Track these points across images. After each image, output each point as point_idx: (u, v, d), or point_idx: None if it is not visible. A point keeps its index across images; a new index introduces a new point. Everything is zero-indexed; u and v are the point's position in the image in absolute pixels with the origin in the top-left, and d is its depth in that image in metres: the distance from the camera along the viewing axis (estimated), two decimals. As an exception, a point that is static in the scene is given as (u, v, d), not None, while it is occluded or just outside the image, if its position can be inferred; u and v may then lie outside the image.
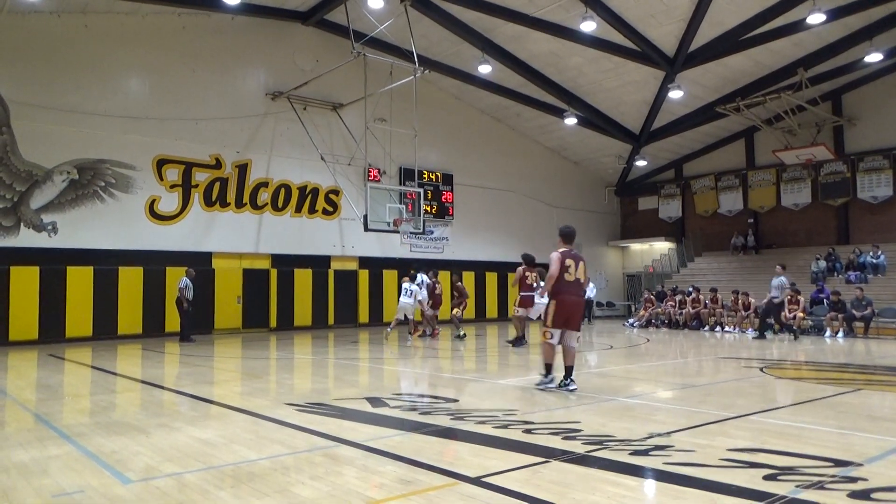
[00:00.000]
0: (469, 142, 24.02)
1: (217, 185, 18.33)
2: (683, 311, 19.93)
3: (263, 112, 19.22)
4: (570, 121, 22.84)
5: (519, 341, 13.12)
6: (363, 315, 20.80)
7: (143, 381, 9.00)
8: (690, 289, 20.55)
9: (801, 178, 23.57)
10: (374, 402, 6.79)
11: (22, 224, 15.39)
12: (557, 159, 27.15)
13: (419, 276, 15.23)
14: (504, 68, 20.70)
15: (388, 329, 15.52)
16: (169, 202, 17.50)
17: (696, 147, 26.11)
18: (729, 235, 25.43)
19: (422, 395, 7.54)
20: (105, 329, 16.14)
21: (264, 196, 19.20)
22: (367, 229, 16.99)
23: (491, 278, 24.07)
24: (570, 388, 7.21)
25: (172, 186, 17.57)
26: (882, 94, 21.50)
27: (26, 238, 15.40)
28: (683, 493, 3.69)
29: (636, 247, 29.31)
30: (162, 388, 8.39)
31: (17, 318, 15.03)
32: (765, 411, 6.15)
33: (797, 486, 3.76)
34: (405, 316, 15.18)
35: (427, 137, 20.81)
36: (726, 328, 18.59)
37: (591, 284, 21.56)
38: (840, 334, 16.32)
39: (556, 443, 4.85)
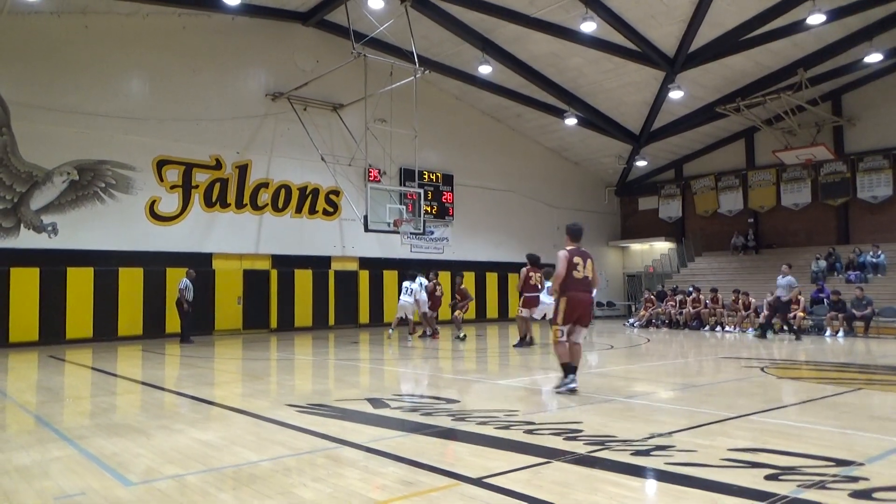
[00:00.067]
0: (469, 142, 24.03)
1: (217, 185, 18.33)
2: (684, 311, 19.93)
3: (264, 113, 19.22)
4: (571, 121, 22.85)
5: (522, 342, 13.11)
6: (363, 316, 20.81)
7: (144, 383, 9.00)
8: (691, 289, 20.56)
9: (801, 178, 23.57)
10: (376, 402, 6.79)
11: (22, 225, 15.39)
12: (558, 160, 27.15)
13: (418, 278, 15.23)
14: (504, 69, 20.71)
15: (390, 329, 15.53)
16: (169, 203, 17.50)
17: (697, 147, 26.12)
18: (729, 235, 25.43)
19: (423, 396, 7.54)
20: (105, 330, 16.14)
21: (264, 197, 19.20)
22: (367, 230, 16.99)
23: (491, 278, 24.07)
24: (573, 384, 7.17)
25: (173, 187, 17.57)
26: (882, 94, 21.50)
27: (26, 239, 15.41)
28: (685, 494, 3.69)
29: (636, 247, 29.31)
30: (162, 389, 8.39)
31: (18, 320, 15.03)
32: (766, 411, 6.15)
33: (799, 486, 3.76)
34: (405, 315, 15.19)
35: (427, 138, 20.82)
36: (727, 328, 18.59)
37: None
38: (840, 334, 16.32)
39: (558, 443, 4.84)
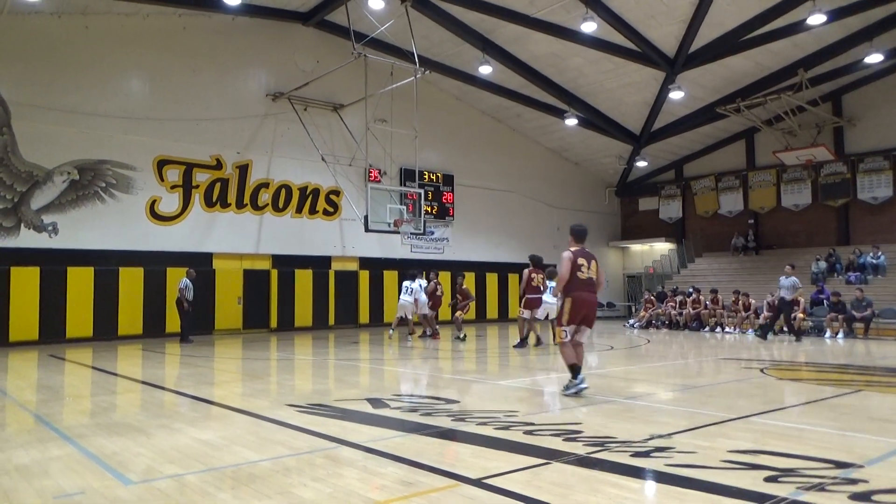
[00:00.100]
0: (470, 142, 24.03)
1: (218, 185, 18.34)
2: (684, 311, 19.93)
3: (264, 113, 19.23)
4: (571, 121, 22.85)
5: (522, 343, 13.10)
6: (364, 316, 20.81)
7: (144, 382, 9.00)
8: (691, 289, 20.56)
9: (802, 178, 23.58)
10: (375, 403, 6.79)
11: (22, 225, 15.40)
12: (558, 160, 27.16)
13: (417, 279, 15.22)
14: (505, 69, 20.71)
15: (391, 330, 15.53)
16: (169, 203, 17.51)
17: (697, 148, 26.12)
18: (729, 236, 25.43)
19: (422, 397, 7.53)
20: (105, 330, 16.14)
21: (265, 197, 19.21)
22: (367, 230, 16.99)
23: (491, 279, 24.08)
24: (582, 386, 7.11)
25: (173, 187, 17.58)
26: (882, 94, 21.50)
27: (27, 239, 15.41)
28: (685, 495, 3.69)
29: (636, 247, 29.32)
30: (162, 388, 8.39)
31: (18, 319, 15.03)
32: (766, 412, 6.15)
33: (798, 488, 3.76)
34: (405, 315, 15.20)
35: (428, 138, 20.82)
36: (727, 329, 18.59)
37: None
38: (840, 335, 16.32)
39: (558, 444, 4.84)
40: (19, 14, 15.32)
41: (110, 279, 16.34)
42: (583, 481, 3.95)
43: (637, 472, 4.16)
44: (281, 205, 19.50)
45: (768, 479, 3.92)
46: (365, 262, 21.07)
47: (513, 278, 24.68)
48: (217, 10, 17.65)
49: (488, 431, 5.31)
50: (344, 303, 20.37)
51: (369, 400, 6.98)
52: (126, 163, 16.80)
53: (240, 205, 18.73)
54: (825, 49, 19.07)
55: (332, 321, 20.12)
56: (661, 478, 4.03)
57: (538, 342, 13.29)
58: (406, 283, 15.14)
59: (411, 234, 19.11)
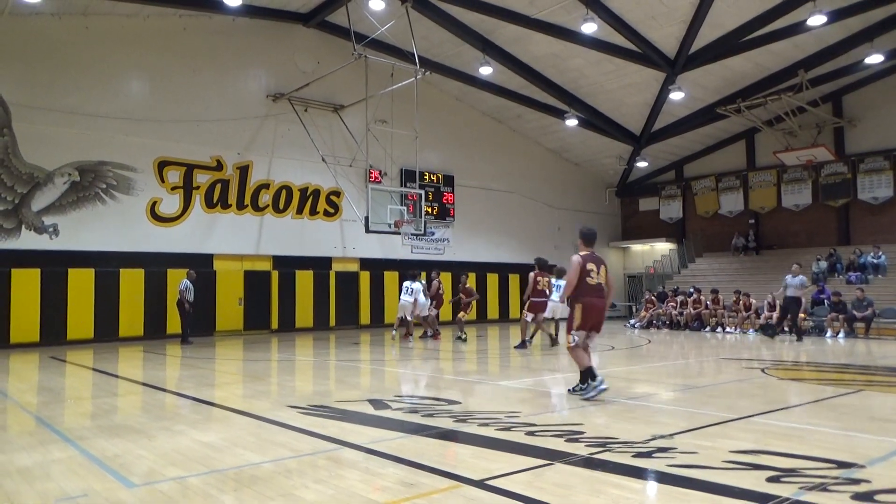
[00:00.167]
0: (470, 143, 24.03)
1: (218, 186, 18.34)
2: (684, 311, 19.93)
3: (264, 114, 19.23)
4: (571, 122, 22.85)
5: (523, 344, 13.09)
6: (364, 317, 20.81)
7: (145, 384, 9.00)
8: (691, 290, 20.56)
9: (802, 179, 23.57)
10: (376, 404, 6.79)
11: (23, 226, 15.40)
12: (558, 160, 27.16)
13: (416, 281, 15.21)
14: (505, 70, 20.72)
15: (394, 331, 15.53)
16: (170, 204, 17.51)
17: (697, 148, 26.12)
18: (730, 236, 25.43)
19: (424, 397, 7.53)
20: (106, 331, 16.14)
21: (265, 198, 19.21)
22: (368, 231, 16.99)
23: (492, 279, 24.07)
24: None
25: (173, 188, 17.58)
26: (882, 95, 21.50)
27: (27, 240, 15.41)
28: (687, 496, 3.69)
29: (637, 248, 29.31)
30: (164, 390, 8.39)
31: (19, 321, 15.03)
32: (767, 413, 6.14)
33: (800, 488, 3.76)
34: (405, 316, 15.21)
35: (428, 139, 20.83)
36: (727, 329, 18.59)
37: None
38: (841, 335, 16.31)
39: (559, 445, 4.84)
40: (20, 15, 15.33)
41: (111, 281, 16.34)
42: (585, 482, 3.95)
43: (639, 473, 4.16)
44: (281, 206, 19.51)
45: (770, 480, 3.92)
46: (365, 263, 21.07)
47: (513, 279, 24.69)
48: (217, 10, 17.65)
49: (490, 432, 5.31)
50: (345, 304, 20.37)
51: (370, 401, 6.98)
52: (126, 164, 16.80)
53: (240, 206, 18.73)
54: (825, 50, 19.07)
55: (332, 322, 20.12)
56: (663, 478, 4.04)
57: (553, 342, 13.14)
58: (406, 284, 15.16)
59: (412, 234, 19.12)
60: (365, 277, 20.91)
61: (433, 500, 3.67)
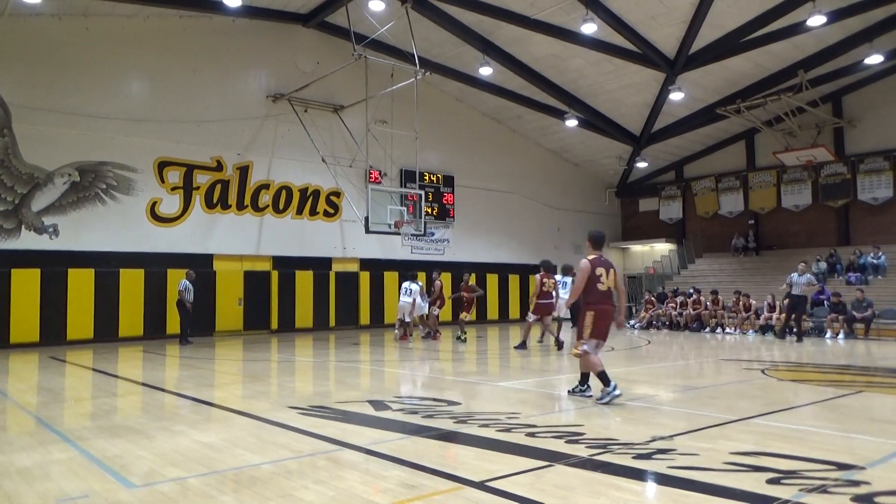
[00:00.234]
0: (470, 144, 24.03)
1: (218, 187, 18.34)
2: (684, 312, 19.93)
3: (264, 114, 19.23)
4: (571, 123, 22.85)
5: (523, 345, 13.07)
6: (364, 317, 20.81)
7: (145, 384, 9.00)
8: (691, 290, 20.56)
9: (802, 179, 23.57)
10: (377, 405, 6.79)
11: (23, 226, 15.40)
12: (558, 161, 27.16)
13: (414, 284, 15.19)
14: (505, 70, 20.72)
15: (396, 332, 15.53)
16: (170, 204, 17.51)
17: (697, 149, 26.12)
18: (730, 237, 25.43)
19: (424, 398, 7.53)
20: (106, 331, 16.13)
21: (265, 198, 19.21)
22: (368, 231, 16.99)
23: (492, 280, 24.06)
24: (588, 394, 7.06)
25: (173, 188, 17.58)
26: (882, 95, 21.50)
27: (27, 240, 15.41)
28: (687, 497, 3.69)
29: (637, 248, 29.31)
30: (163, 391, 8.39)
31: (18, 321, 15.03)
32: (767, 414, 6.15)
33: (801, 490, 3.77)
34: (404, 316, 15.20)
35: (428, 139, 20.82)
36: (727, 330, 18.59)
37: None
38: (841, 336, 16.31)
39: (560, 446, 4.84)
40: (20, 16, 15.32)
41: (111, 281, 16.34)
42: (585, 484, 3.95)
43: (639, 475, 4.17)
44: (281, 206, 19.50)
45: (770, 481, 3.92)
46: (365, 264, 21.07)
47: (513, 279, 24.70)
48: (217, 11, 17.63)
49: (490, 433, 5.31)
50: (344, 304, 20.37)
51: (371, 402, 6.97)
52: (127, 164, 16.80)
53: (240, 206, 18.73)
54: (825, 50, 19.07)
55: (332, 322, 20.12)
56: (664, 480, 4.04)
57: (559, 345, 13.04)
58: (405, 285, 15.14)
59: (412, 235, 19.12)
60: (365, 278, 20.91)
61: (434, 501, 3.67)
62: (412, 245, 22.14)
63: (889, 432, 5.35)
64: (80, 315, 15.85)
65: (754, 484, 3.88)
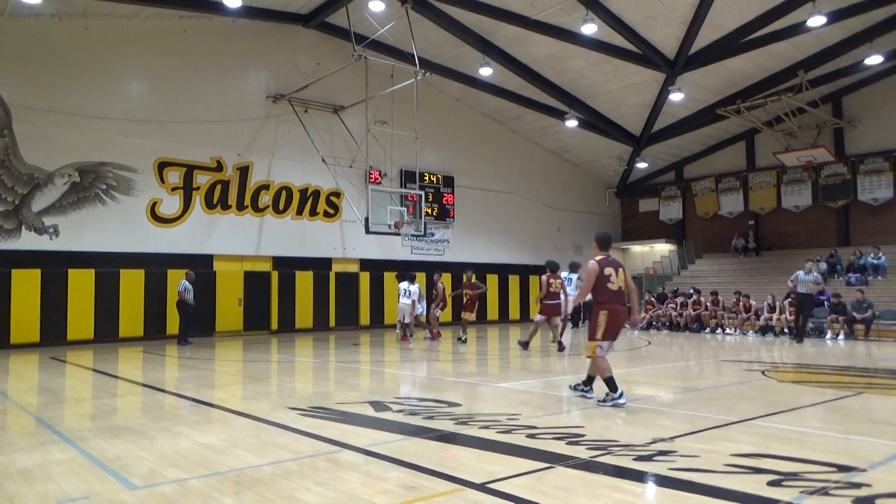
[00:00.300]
0: (470, 144, 24.03)
1: (218, 187, 18.34)
2: (684, 313, 19.92)
3: (265, 114, 19.23)
4: (571, 123, 22.86)
5: (527, 344, 13.06)
6: (364, 317, 20.81)
7: (145, 385, 9.00)
8: (691, 291, 20.55)
9: (802, 179, 23.58)
10: (377, 405, 6.79)
11: (23, 227, 15.39)
12: (558, 161, 27.16)
13: (413, 285, 15.17)
14: (505, 71, 20.71)
15: (398, 332, 15.52)
16: (170, 205, 17.51)
17: (697, 149, 26.12)
18: (730, 237, 25.43)
19: (424, 399, 7.53)
20: (106, 332, 16.13)
21: (265, 198, 19.21)
22: (368, 232, 16.99)
23: (492, 280, 24.04)
24: (589, 395, 7.05)
25: (174, 189, 17.57)
26: (882, 96, 21.50)
27: (28, 241, 15.41)
28: (688, 500, 3.69)
29: (637, 249, 29.31)
30: (163, 391, 8.39)
31: (19, 321, 15.02)
32: (768, 415, 6.15)
33: (801, 492, 3.77)
34: (403, 318, 15.20)
35: (428, 140, 20.82)
36: (727, 330, 18.58)
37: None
38: (841, 337, 16.31)
39: (561, 448, 4.84)
40: (20, 16, 15.32)
41: (111, 281, 16.33)
42: (586, 485, 3.95)
43: (640, 477, 4.17)
44: (281, 206, 19.50)
45: (771, 483, 3.92)
46: (365, 264, 21.07)
47: (513, 279, 24.70)
48: (218, 12, 17.63)
49: (491, 435, 5.31)
50: (344, 304, 20.37)
51: (371, 403, 6.97)
52: (127, 165, 16.79)
53: (240, 206, 18.73)
54: (825, 51, 19.07)
55: (332, 323, 20.12)
56: (665, 482, 4.04)
57: (560, 347, 13.00)
58: (404, 286, 15.09)
59: (412, 235, 19.11)
60: (365, 278, 20.91)
61: (434, 503, 3.67)
62: (412, 245, 22.14)
63: (890, 434, 5.35)
64: (81, 315, 15.84)
65: (755, 486, 3.88)
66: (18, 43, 15.42)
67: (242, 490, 3.96)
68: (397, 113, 18.53)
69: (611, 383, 6.68)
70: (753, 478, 4.05)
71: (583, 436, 5.26)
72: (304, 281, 19.60)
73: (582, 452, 4.70)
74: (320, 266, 20.09)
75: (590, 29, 16.89)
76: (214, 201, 18.26)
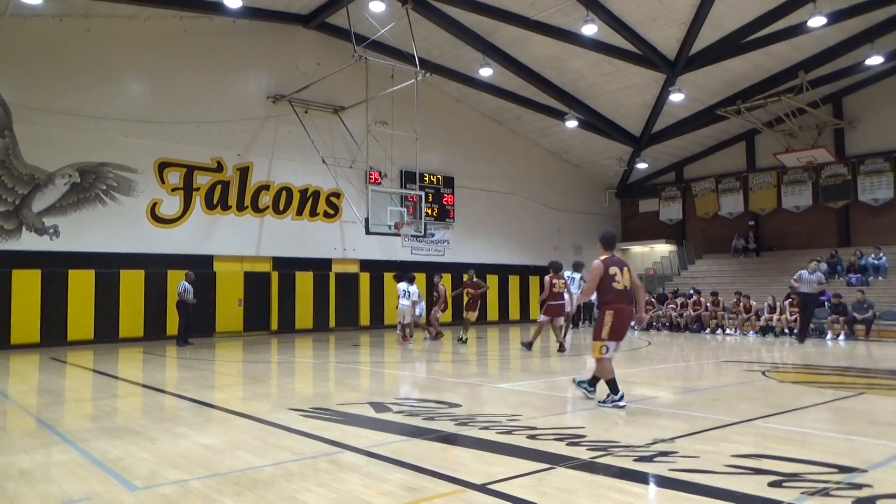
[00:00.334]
0: (470, 144, 24.04)
1: (218, 188, 18.34)
2: (684, 313, 19.92)
3: (265, 115, 19.23)
4: (571, 123, 22.86)
5: (530, 345, 13.05)
6: (364, 318, 20.81)
7: (145, 385, 9.00)
8: (691, 291, 20.56)
9: (802, 180, 23.58)
10: (377, 406, 6.79)
11: (24, 227, 15.40)
12: (558, 162, 27.16)
13: (412, 286, 15.16)
14: (505, 71, 20.72)
15: (398, 333, 15.52)
16: (170, 205, 17.51)
17: (697, 150, 26.13)
18: (730, 238, 25.43)
19: (425, 400, 7.52)
20: (106, 332, 16.14)
21: (265, 199, 19.21)
22: (368, 232, 17.00)
23: (492, 281, 24.03)
24: (591, 395, 7.01)
25: (174, 189, 17.58)
26: (883, 96, 21.51)
27: (28, 241, 15.41)
28: (689, 501, 3.69)
29: (637, 249, 29.30)
30: (164, 392, 8.39)
31: (19, 322, 15.03)
32: (768, 416, 6.15)
33: (802, 493, 3.77)
34: (404, 319, 15.19)
35: (428, 140, 20.82)
36: (727, 331, 18.58)
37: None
38: (841, 337, 16.31)
39: (561, 449, 4.84)
40: (20, 17, 15.33)
41: (111, 281, 16.34)
42: (586, 486, 3.95)
43: (641, 477, 4.17)
44: (281, 207, 19.51)
45: (772, 484, 3.92)
46: (365, 265, 21.07)
47: (513, 280, 24.70)
48: (218, 12, 17.64)
49: (491, 436, 5.31)
50: (344, 305, 20.37)
51: (371, 404, 6.97)
52: (127, 165, 16.80)
53: (240, 207, 18.73)
54: (825, 51, 19.09)
55: (332, 323, 20.12)
56: (665, 483, 4.04)
57: (561, 349, 12.98)
58: (403, 287, 15.05)
59: (412, 236, 19.12)
60: (365, 279, 20.91)
61: (435, 504, 3.67)
62: (412, 246, 22.14)
63: (890, 434, 5.35)
64: (81, 316, 15.85)
65: (756, 487, 3.88)
66: (19, 43, 15.43)
67: (243, 491, 3.96)
68: (397, 113, 18.54)
69: (612, 385, 6.67)
70: (754, 479, 4.05)
71: (583, 437, 5.26)
72: (304, 281, 19.60)
73: (582, 453, 4.70)
74: (320, 267, 20.09)
75: (590, 29, 16.90)
76: (214, 202, 18.27)
